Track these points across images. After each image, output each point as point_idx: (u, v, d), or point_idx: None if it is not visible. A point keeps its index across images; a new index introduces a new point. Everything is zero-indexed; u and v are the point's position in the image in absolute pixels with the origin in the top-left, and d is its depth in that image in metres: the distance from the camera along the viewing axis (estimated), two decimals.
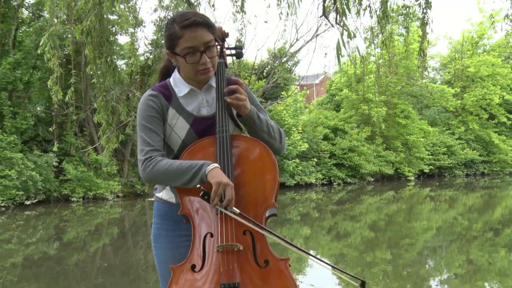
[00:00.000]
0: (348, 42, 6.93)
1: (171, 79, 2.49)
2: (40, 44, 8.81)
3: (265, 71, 31.18)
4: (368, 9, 8.86)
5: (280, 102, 29.25)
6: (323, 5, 8.97)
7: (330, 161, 29.13)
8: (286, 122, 27.59)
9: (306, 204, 20.91)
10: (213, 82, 2.46)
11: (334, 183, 28.84)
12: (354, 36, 7.33)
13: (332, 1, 8.73)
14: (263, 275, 2.17)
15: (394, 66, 29.70)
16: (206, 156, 2.29)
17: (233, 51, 2.61)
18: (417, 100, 36.12)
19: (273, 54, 31.19)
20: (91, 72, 9.29)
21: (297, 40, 31.27)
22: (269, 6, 31.27)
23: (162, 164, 2.25)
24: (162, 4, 20.77)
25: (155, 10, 23.58)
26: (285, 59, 31.04)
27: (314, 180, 27.82)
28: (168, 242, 2.49)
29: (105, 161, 21.30)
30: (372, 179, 30.44)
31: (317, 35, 28.35)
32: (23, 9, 21.68)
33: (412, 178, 31.97)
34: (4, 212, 17.32)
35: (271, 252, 2.22)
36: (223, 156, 2.25)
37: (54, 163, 19.88)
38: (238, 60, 2.88)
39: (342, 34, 6.51)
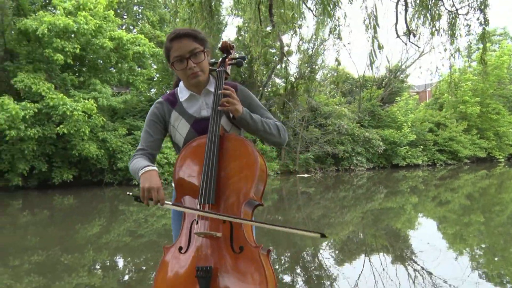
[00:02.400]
0: (380, 52, 6.52)
1: (178, 88, 2.24)
2: None
3: (383, 82, 30.89)
4: (440, 30, 8.29)
5: (394, 105, 28.80)
6: (395, 28, 8.55)
7: (433, 147, 27.78)
8: (398, 119, 27.22)
9: (415, 180, 19.98)
10: (211, 88, 2.16)
11: (437, 164, 27.45)
12: (383, 47, 6.80)
13: (405, 25, 8.31)
14: (237, 260, 1.82)
15: (486, 74, 27.84)
16: (199, 152, 2.01)
17: (234, 61, 2.28)
18: (507, 100, 33.14)
19: (389, 70, 30.80)
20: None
21: (407, 59, 30.76)
22: (351, 32, 30.37)
23: (132, 163, 2.05)
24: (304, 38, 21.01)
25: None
26: (398, 73, 30.55)
27: (421, 162, 26.66)
28: (178, 225, 2.16)
29: (267, 149, 21.93)
30: (468, 161, 28.46)
31: (423, 54, 27.41)
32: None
33: (502, 160, 29.52)
34: None
35: (247, 240, 1.85)
36: (210, 153, 1.95)
37: None
38: (238, 67, 2.34)
39: (373, 45, 6.12)
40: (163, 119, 2.17)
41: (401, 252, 6.49)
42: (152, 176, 1.88)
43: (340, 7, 8.27)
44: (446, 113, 30.60)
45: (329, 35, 8.78)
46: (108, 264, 6.48)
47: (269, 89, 24.84)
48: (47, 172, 16.43)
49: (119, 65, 18.94)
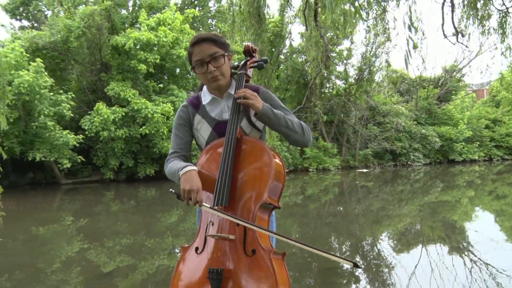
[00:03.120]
0: (414, 51, 6.01)
1: (202, 91, 2.06)
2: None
3: (440, 81, 29.60)
4: (490, 29, 7.72)
5: (450, 103, 27.51)
6: (442, 29, 8.01)
7: (490, 143, 26.26)
8: (454, 117, 26.03)
9: (471, 174, 18.90)
10: (233, 91, 1.97)
11: (494, 159, 25.85)
12: (417, 46, 6.23)
13: (453, 27, 7.77)
14: (248, 263, 1.65)
15: None
16: (216, 154, 1.86)
17: (255, 64, 2.08)
18: None
19: (445, 70, 29.42)
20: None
21: (463, 59, 29.19)
22: (397, 34, 28.64)
23: (168, 166, 1.93)
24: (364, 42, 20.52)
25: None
26: (454, 73, 29.13)
27: (477, 157, 25.28)
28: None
29: (328, 145, 21.71)
30: None
31: (479, 54, 25.85)
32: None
33: None
34: None
35: (260, 243, 1.66)
36: (226, 155, 1.79)
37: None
38: (259, 70, 2.18)
39: (408, 45, 5.69)
40: (189, 121, 2.03)
41: (458, 243, 6.17)
42: (193, 177, 1.76)
43: (388, 11, 7.97)
44: (502, 109, 28.78)
45: (375, 37, 8.46)
46: None
47: (331, 91, 24.51)
48: (133, 167, 17.28)
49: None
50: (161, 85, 18.65)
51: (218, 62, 1.89)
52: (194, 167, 1.81)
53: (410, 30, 5.61)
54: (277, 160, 1.80)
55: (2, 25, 22.24)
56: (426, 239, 6.55)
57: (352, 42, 21.03)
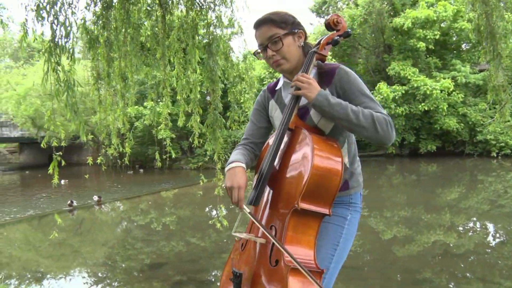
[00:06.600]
0: None
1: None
2: None
3: None
4: None
5: None
6: None
7: None
8: None
9: None
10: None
11: None
12: None
13: None
14: (269, 273, 1.36)
15: None
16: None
17: (330, 40, 1.57)
18: None
19: None
20: None
21: None
22: None
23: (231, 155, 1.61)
24: None
25: None
26: None
27: None
28: None
29: None
30: None
31: None
32: None
33: None
34: None
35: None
36: (272, 148, 1.47)
37: None
38: (333, 46, 1.56)
39: None
40: (265, 107, 1.74)
41: None
42: (236, 174, 1.50)
43: None
44: None
45: None
46: (470, 226, 6.28)
47: None
48: (415, 143, 17.03)
49: (480, 43, 17.44)
50: (445, 61, 17.52)
51: (276, 46, 1.56)
52: (241, 164, 1.55)
53: None
54: (323, 159, 1.41)
55: (311, 24, 25.47)
56: None
57: None
